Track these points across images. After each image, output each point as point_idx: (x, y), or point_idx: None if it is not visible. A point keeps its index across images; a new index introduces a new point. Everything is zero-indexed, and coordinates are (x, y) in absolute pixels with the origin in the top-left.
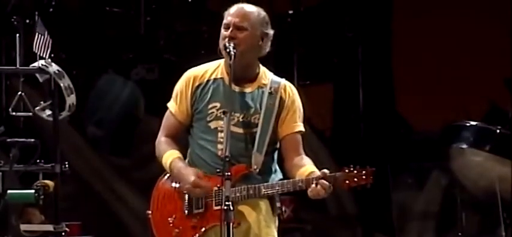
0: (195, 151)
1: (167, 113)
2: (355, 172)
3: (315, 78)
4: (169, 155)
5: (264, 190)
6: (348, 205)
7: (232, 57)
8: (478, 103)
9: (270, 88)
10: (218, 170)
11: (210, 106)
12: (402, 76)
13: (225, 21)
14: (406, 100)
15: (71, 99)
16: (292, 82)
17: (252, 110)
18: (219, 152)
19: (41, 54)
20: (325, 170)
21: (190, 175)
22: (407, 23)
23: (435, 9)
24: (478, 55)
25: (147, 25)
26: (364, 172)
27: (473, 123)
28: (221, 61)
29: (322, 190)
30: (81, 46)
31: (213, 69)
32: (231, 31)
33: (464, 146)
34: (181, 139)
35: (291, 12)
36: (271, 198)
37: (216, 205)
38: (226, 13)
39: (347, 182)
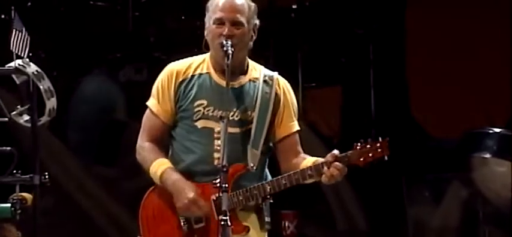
0: (178, 153)
1: (148, 113)
2: (369, 146)
3: (321, 79)
4: (159, 165)
5: (269, 187)
6: (357, 220)
7: (230, 56)
8: (501, 107)
9: (264, 76)
10: (214, 181)
11: (195, 103)
12: (417, 78)
13: (216, 16)
14: (422, 104)
15: (51, 103)
16: (296, 84)
17: (245, 105)
18: (216, 162)
19: (18, 53)
20: (335, 151)
21: (188, 190)
22: (423, 18)
23: (454, 3)
24: (503, 55)
25: (135, 21)
26: (378, 144)
27: (497, 130)
28: (206, 56)
29: (337, 172)
30: (62, 45)
31: (198, 64)
32: (228, 28)
33: (487, 155)
34: (164, 141)
35: (294, 6)
36: (258, 211)
37: (218, 215)
38: (213, 7)
39: (362, 159)
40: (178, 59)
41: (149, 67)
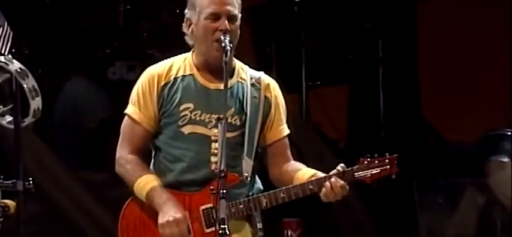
0: (163, 162)
1: (128, 121)
2: (377, 161)
3: (326, 78)
4: (145, 182)
5: (265, 201)
6: (366, 228)
7: (229, 52)
8: None
9: (251, 79)
10: (211, 188)
11: (181, 107)
12: (430, 76)
13: (209, 10)
14: (435, 104)
15: (36, 103)
16: (299, 83)
17: (235, 108)
18: (213, 167)
19: (0, 50)
20: (341, 165)
21: (175, 211)
22: (436, 11)
23: None
24: None
25: (127, 14)
26: (387, 160)
27: None
28: (187, 55)
29: (339, 189)
30: (47, 41)
31: (179, 65)
32: (225, 22)
33: (505, 159)
34: (146, 151)
35: None
36: (249, 218)
37: (208, 227)
38: (203, 1)
39: (369, 175)
40: (172, 56)
41: (142, 65)
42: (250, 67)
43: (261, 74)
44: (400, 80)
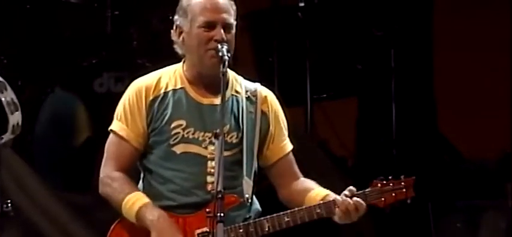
0: (153, 185)
1: (113, 139)
2: (391, 184)
3: (333, 90)
4: (135, 199)
5: (267, 225)
6: None
7: (226, 63)
8: None
9: (247, 91)
10: (208, 210)
11: (172, 125)
12: (447, 88)
13: (203, 18)
14: (453, 119)
15: (15, 118)
16: (303, 96)
17: (231, 125)
18: (209, 187)
19: None
20: (352, 188)
21: (171, 231)
22: (453, 19)
23: (491, 2)
24: None
25: (115, 21)
26: (402, 183)
27: None
28: (177, 67)
29: (354, 211)
30: (28, 50)
31: (168, 78)
32: (221, 31)
33: None
34: (132, 172)
35: (301, 4)
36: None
37: None
38: (196, 9)
39: (383, 199)
40: (163, 66)
41: (131, 76)
42: (250, 79)
43: (257, 86)
44: (414, 92)
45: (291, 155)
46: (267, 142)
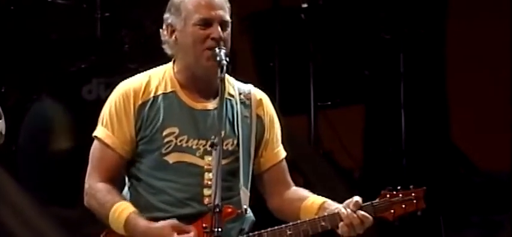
0: (143, 196)
1: (98, 146)
2: (401, 195)
3: (338, 97)
4: (123, 208)
5: None
6: None
7: (224, 68)
8: None
9: (240, 94)
10: (204, 225)
11: (165, 132)
12: (461, 95)
13: (199, 15)
14: (466, 128)
15: None
16: (307, 103)
17: (225, 131)
18: (206, 200)
19: None
20: (358, 199)
21: (166, 228)
22: (469, 19)
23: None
24: None
25: (105, 23)
26: (413, 194)
27: None
28: (166, 69)
29: (359, 225)
30: (12, 54)
31: (158, 80)
32: (218, 30)
33: None
34: (119, 183)
35: (305, 5)
36: None
37: None
38: (190, 5)
39: (392, 211)
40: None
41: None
42: (242, 80)
43: (251, 88)
44: (425, 99)
45: (285, 163)
46: (261, 148)
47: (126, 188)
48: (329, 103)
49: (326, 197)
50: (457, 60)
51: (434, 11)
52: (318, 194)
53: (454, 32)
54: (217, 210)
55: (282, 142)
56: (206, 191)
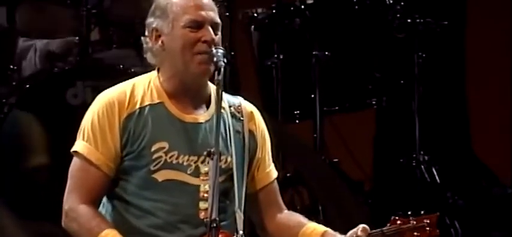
0: (126, 217)
1: (79, 164)
2: (415, 222)
3: (347, 102)
4: None
5: None
6: None
7: (222, 71)
8: None
9: (230, 107)
10: None
11: (153, 148)
12: (482, 101)
13: (189, 16)
14: (488, 137)
15: None
16: (312, 109)
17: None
18: (202, 215)
19: None
20: (365, 227)
21: None
22: (490, 17)
23: None
24: None
25: (91, 21)
26: (426, 221)
27: None
28: (151, 77)
29: None
30: None
31: (143, 90)
32: (210, 32)
33: None
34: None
35: (310, 1)
36: None
37: None
38: (178, 6)
39: None
40: (149, 72)
41: (110, 86)
42: (232, 92)
43: (241, 100)
44: (443, 105)
45: (276, 184)
46: (253, 167)
47: (104, 211)
48: (336, 108)
49: (332, 210)
50: (477, 63)
51: (452, 5)
52: (324, 208)
53: (475, 30)
54: (214, 225)
55: (285, 151)
56: (202, 205)
